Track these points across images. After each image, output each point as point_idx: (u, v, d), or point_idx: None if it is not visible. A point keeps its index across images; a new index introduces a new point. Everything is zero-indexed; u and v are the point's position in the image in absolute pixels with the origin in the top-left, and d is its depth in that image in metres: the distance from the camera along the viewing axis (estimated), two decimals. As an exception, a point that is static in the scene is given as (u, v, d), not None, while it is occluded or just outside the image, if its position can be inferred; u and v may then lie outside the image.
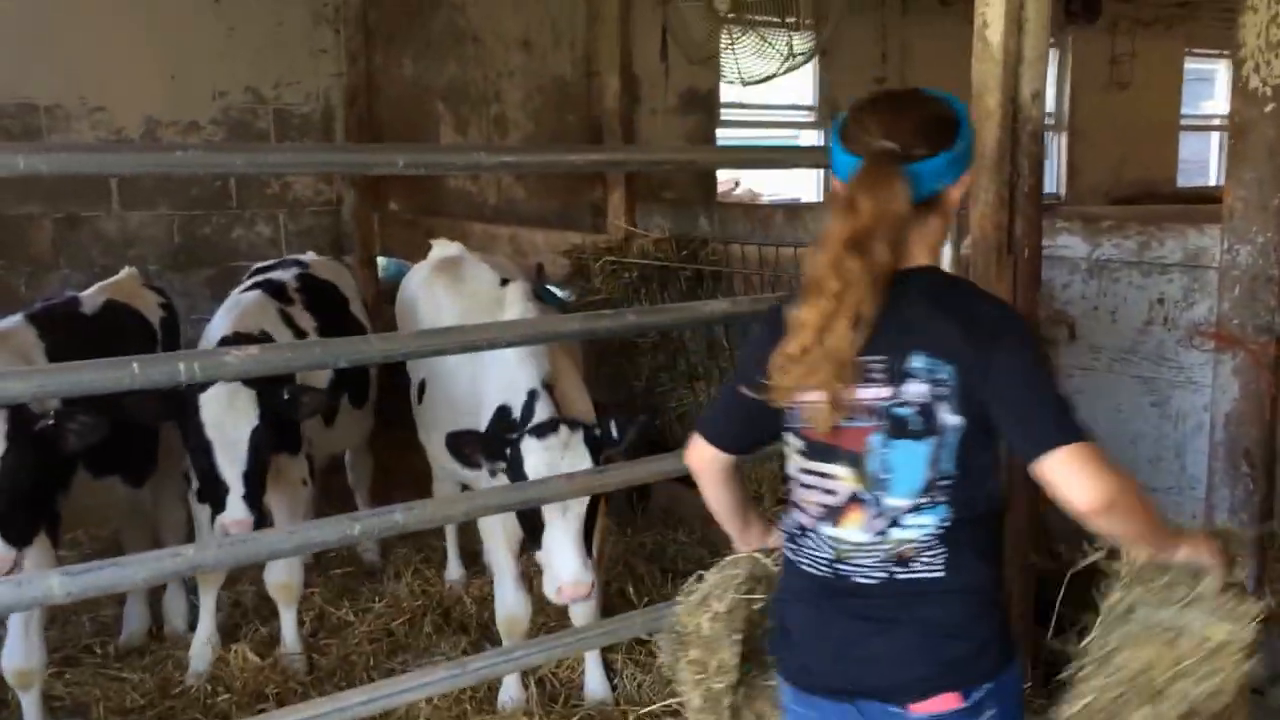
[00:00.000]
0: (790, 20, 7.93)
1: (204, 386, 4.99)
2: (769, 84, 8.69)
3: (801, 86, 13.62)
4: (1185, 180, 17.88)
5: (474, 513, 4.52)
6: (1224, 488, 5.18)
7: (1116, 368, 5.82)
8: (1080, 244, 5.91)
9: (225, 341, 5.53)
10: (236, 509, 5.07)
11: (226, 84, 9.43)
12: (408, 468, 7.67)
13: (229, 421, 5.09)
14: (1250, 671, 2.82)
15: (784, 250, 7.13)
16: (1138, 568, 2.96)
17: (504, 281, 5.97)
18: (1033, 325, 4.41)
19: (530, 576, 6.39)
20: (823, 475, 2.97)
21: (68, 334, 5.44)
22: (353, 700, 4.00)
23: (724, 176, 13.05)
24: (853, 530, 2.93)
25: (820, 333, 2.80)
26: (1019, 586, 4.79)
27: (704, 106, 12.48)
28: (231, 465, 5.09)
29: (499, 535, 5.40)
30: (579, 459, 4.65)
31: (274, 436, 5.28)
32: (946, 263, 4.33)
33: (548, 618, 6.11)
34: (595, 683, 5.55)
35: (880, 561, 2.92)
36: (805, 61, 8.32)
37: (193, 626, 6.13)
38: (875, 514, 2.91)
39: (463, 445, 4.85)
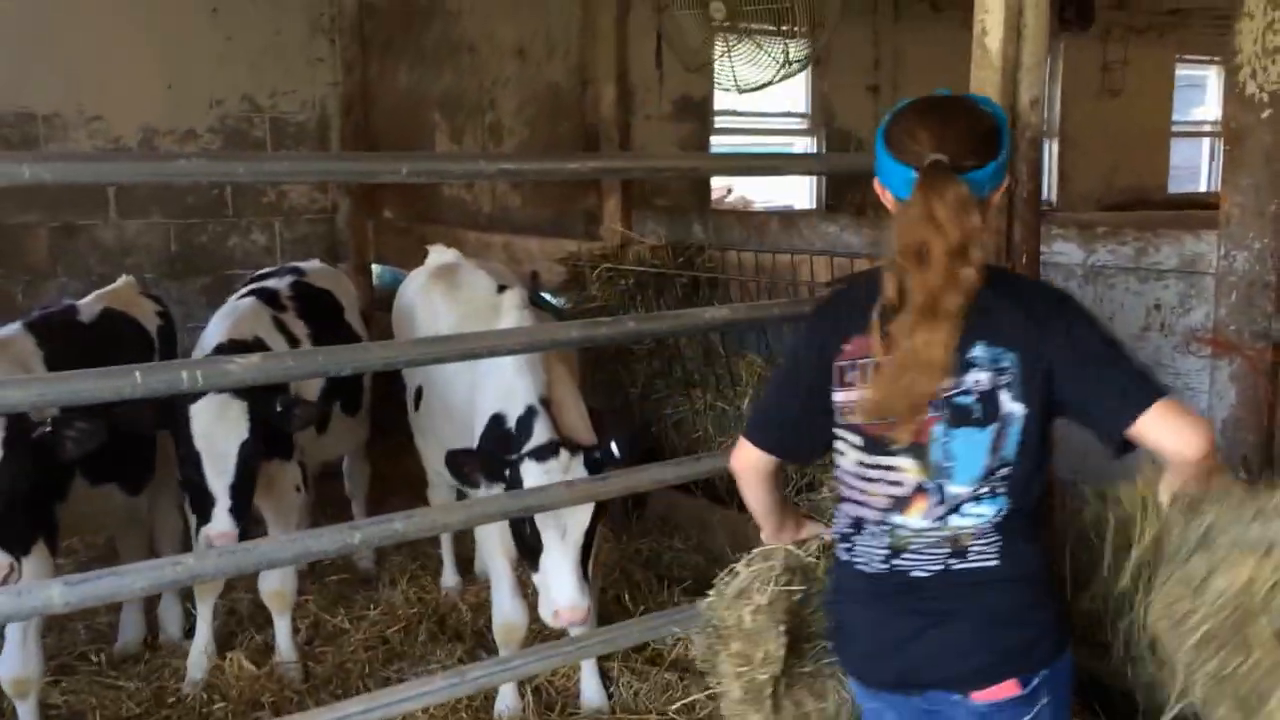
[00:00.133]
0: (786, 28, 7.91)
1: (195, 396, 4.98)
2: (762, 91, 8.66)
3: (795, 94, 13.63)
4: (1176, 187, 17.90)
5: (473, 520, 4.52)
6: (1221, 494, 5.18)
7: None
8: (1076, 250, 5.90)
9: (220, 348, 5.54)
10: (222, 521, 5.06)
11: (223, 93, 9.49)
12: (403, 474, 7.68)
13: (219, 433, 5.09)
14: None
15: (780, 257, 7.13)
16: (1208, 495, 2.99)
17: (501, 288, 5.97)
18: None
19: (526, 583, 6.41)
20: (887, 468, 3.06)
21: (66, 342, 5.43)
22: (350, 710, 3.98)
23: (717, 183, 13.03)
24: (915, 518, 3.04)
25: (946, 349, 2.89)
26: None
27: (698, 114, 12.50)
28: (219, 477, 5.08)
29: (496, 543, 5.38)
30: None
31: (264, 448, 5.28)
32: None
33: (543, 625, 6.10)
34: (591, 691, 5.54)
35: (937, 551, 3.05)
36: (802, 69, 8.28)
37: (188, 634, 6.13)
38: (937, 501, 3.02)
39: (462, 465, 4.84)
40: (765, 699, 3.72)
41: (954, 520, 3.02)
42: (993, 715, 3.04)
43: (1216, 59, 17.82)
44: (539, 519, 4.60)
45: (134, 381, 3.34)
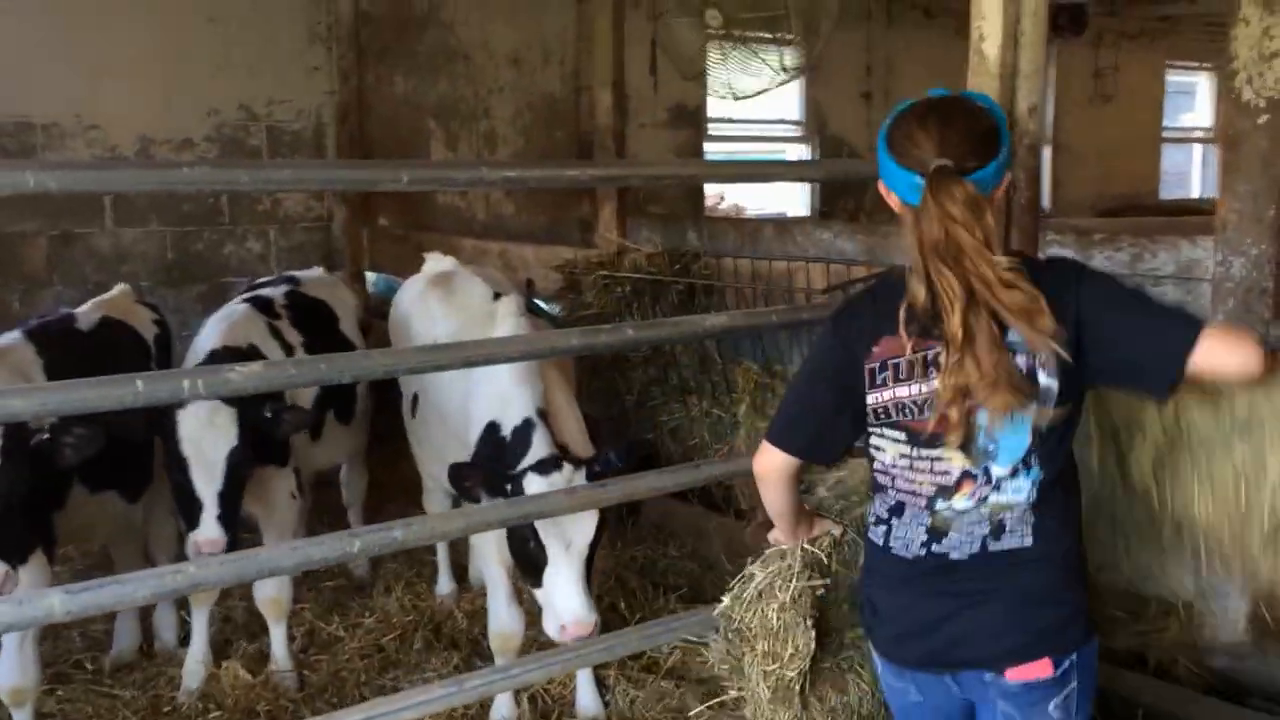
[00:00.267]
0: (781, 36, 7.93)
1: (183, 402, 4.97)
2: (757, 98, 8.68)
3: (788, 101, 13.66)
4: (1166, 192, 17.96)
5: (473, 528, 4.51)
6: (1218, 499, 5.19)
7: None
8: (1072, 256, 5.91)
9: (214, 354, 5.53)
10: (210, 528, 5.05)
11: (220, 102, 9.51)
12: (398, 481, 7.68)
13: (207, 440, 5.07)
14: None
15: (776, 264, 7.14)
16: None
17: (496, 296, 5.96)
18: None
19: (521, 591, 6.40)
20: (933, 459, 3.12)
21: (64, 351, 5.42)
22: (348, 720, 3.99)
23: (710, 190, 13.06)
24: (960, 500, 3.12)
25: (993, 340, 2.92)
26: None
27: (692, 121, 12.55)
28: (207, 484, 5.07)
29: (491, 550, 5.37)
30: None
31: (253, 455, 5.26)
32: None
33: (540, 633, 6.10)
34: (587, 699, 5.53)
35: (977, 529, 3.12)
36: (796, 76, 8.32)
37: (183, 641, 6.12)
38: (983, 482, 3.07)
39: (464, 478, 4.83)
40: (795, 696, 3.77)
41: (994, 498, 3.09)
42: (1024, 695, 3.12)
43: (1207, 65, 17.92)
44: (543, 532, 4.59)
45: (135, 390, 3.34)
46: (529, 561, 4.73)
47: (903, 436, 3.17)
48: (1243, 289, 5.00)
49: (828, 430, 3.37)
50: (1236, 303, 5.04)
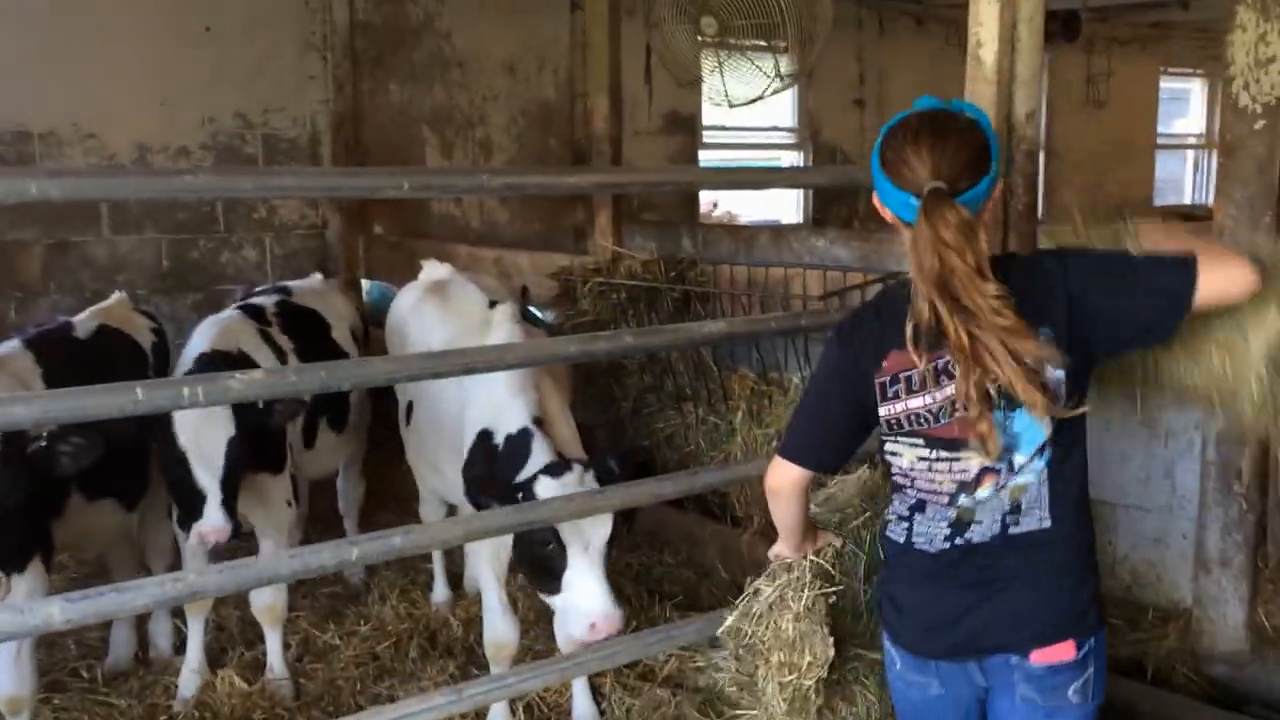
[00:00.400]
0: (775, 44, 7.95)
1: None
2: (751, 106, 8.70)
3: (781, 108, 13.69)
4: (1160, 199, 17.99)
5: (473, 535, 4.49)
6: (1217, 507, 5.19)
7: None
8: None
9: (202, 358, 5.52)
10: (215, 516, 5.04)
11: (216, 110, 9.52)
12: (391, 489, 7.68)
13: (205, 431, 5.07)
14: None
15: (772, 271, 7.13)
16: None
17: (492, 304, 5.96)
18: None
19: (516, 598, 6.39)
20: (952, 461, 3.19)
21: (62, 359, 5.42)
22: (345, 728, 3.98)
23: (703, 197, 13.07)
24: (982, 491, 3.21)
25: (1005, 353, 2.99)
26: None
27: (687, 129, 12.58)
28: (208, 473, 5.06)
29: (486, 557, 5.36)
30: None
31: (249, 449, 5.25)
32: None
33: (535, 641, 6.09)
34: (583, 707, 5.52)
35: (996, 513, 3.22)
36: (790, 84, 8.34)
37: (179, 649, 6.10)
38: (1006, 472, 3.16)
39: (485, 490, 4.81)
40: (811, 708, 3.80)
41: (1013, 481, 3.19)
42: (1048, 678, 3.23)
43: (1200, 71, 17.94)
44: (563, 534, 4.57)
45: (135, 398, 3.34)
46: (545, 566, 4.66)
47: (920, 442, 3.24)
48: (1240, 295, 5.01)
49: (840, 441, 3.46)
50: (1234, 308, 5.05)
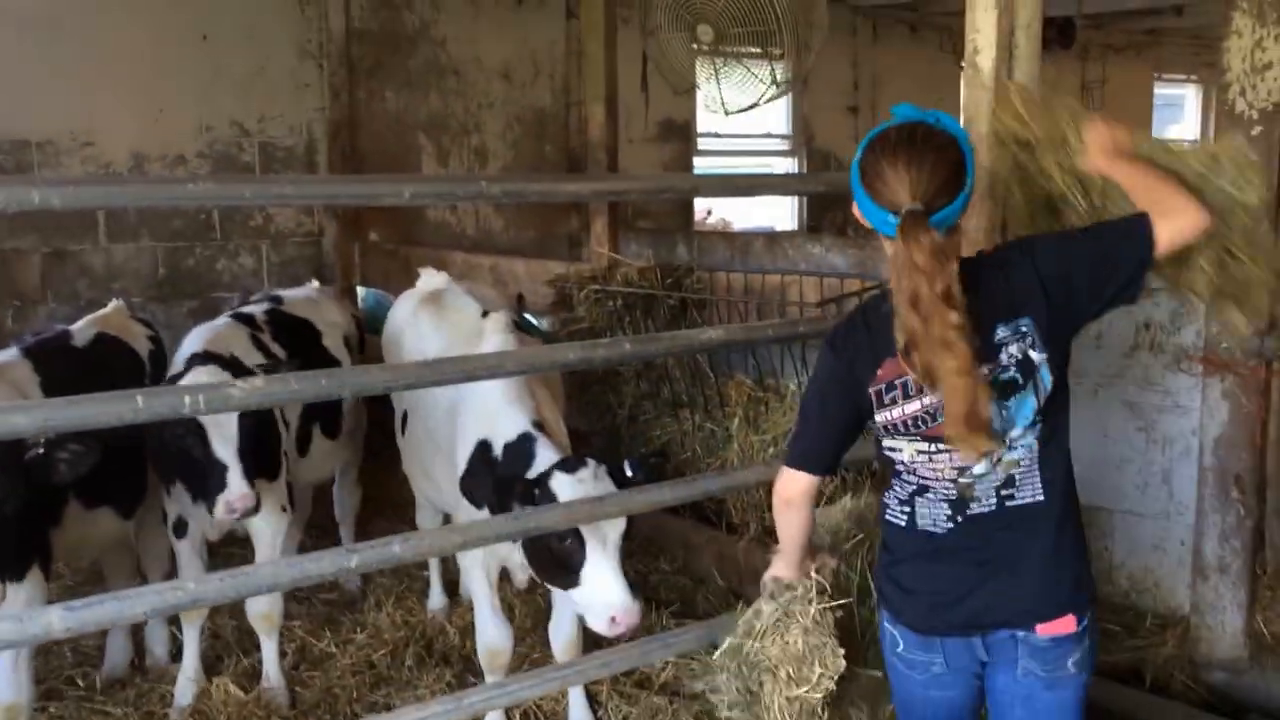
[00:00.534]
0: (771, 51, 7.95)
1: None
2: (746, 113, 8.71)
3: (776, 115, 13.70)
4: (1154, 205, 17.97)
5: (471, 543, 4.48)
6: (1214, 513, 5.20)
7: (1102, 392, 5.83)
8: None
9: (194, 357, 5.50)
10: (240, 484, 5.08)
11: (212, 118, 9.55)
12: (385, 496, 7.67)
13: None
14: None
15: (769, 277, 7.14)
16: None
17: (486, 313, 5.95)
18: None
19: (513, 605, 6.38)
20: (951, 451, 3.31)
21: (61, 367, 5.42)
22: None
23: (698, 205, 13.08)
24: (979, 467, 3.33)
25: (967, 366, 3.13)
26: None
27: (682, 136, 12.60)
28: (226, 445, 5.07)
29: (478, 564, 5.35)
30: (608, 491, 4.63)
31: (256, 430, 5.28)
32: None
33: (531, 649, 6.08)
34: (580, 715, 5.50)
35: (994, 487, 3.35)
36: (787, 90, 8.35)
37: (175, 657, 6.09)
38: (1003, 449, 3.32)
39: (495, 489, 4.80)
40: None
41: (1008, 456, 3.32)
42: (1051, 651, 3.36)
43: (1194, 78, 17.96)
44: (583, 530, 4.55)
45: (135, 406, 3.34)
46: (561, 562, 4.62)
47: (918, 438, 3.36)
48: (1237, 301, 5.02)
49: (839, 445, 3.59)
50: (1231, 315, 5.06)
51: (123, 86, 9.10)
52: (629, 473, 4.78)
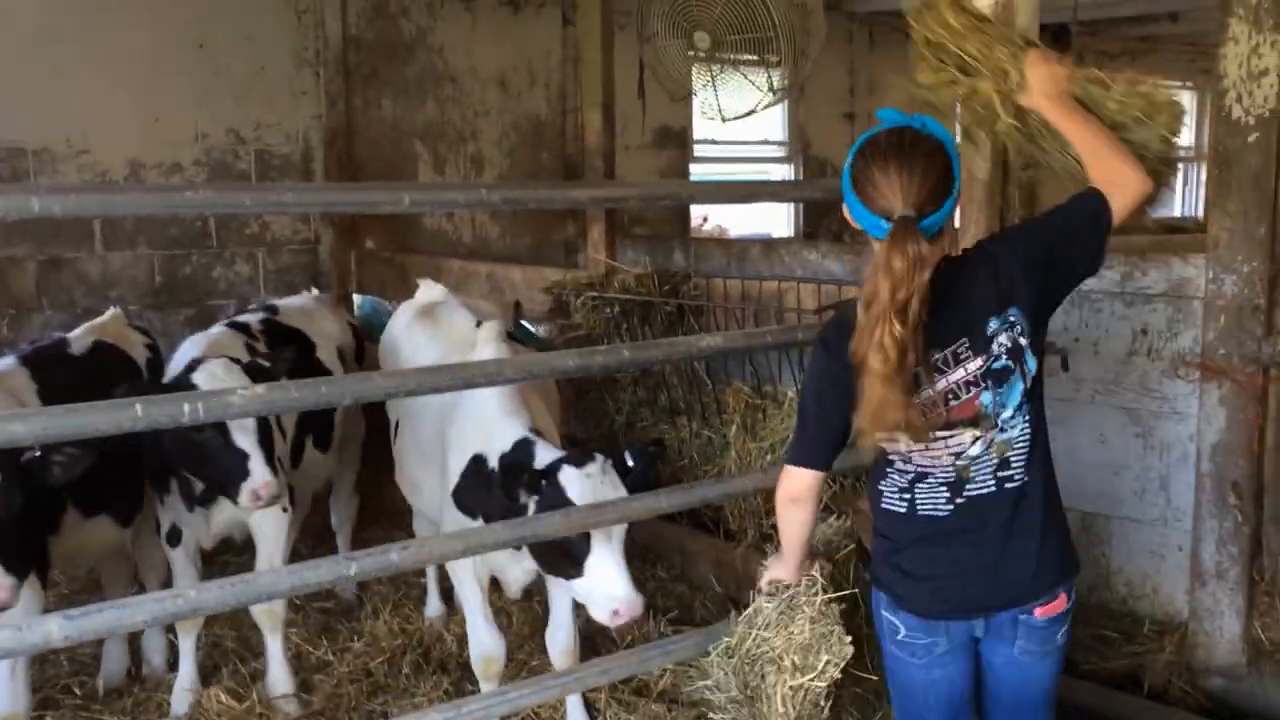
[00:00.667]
0: (768, 58, 7.96)
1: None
2: (743, 120, 8.71)
3: (772, 122, 13.70)
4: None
5: (470, 550, 4.46)
6: (1211, 519, 5.21)
7: (1099, 399, 5.84)
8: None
9: (194, 363, 5.49)
10: (263, 471, 5.09)
11: (208, 126, 9.55)
12: (380, 505, 7.67)
13: None
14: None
15: (766, 284, 7.14)
16: None
17: (479, 323, 5.95)
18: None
19: (511, 613, 6.37)
20: (947, 438, 3.43)
21: (58, 375, 5.42)
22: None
23: (694, 211, 13.09)
24: (974, 449, 3.45)
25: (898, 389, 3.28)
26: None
27: (678, 142, 12.60)
28: (245, 435, 5.08)
29: (468, 571, 5.35)
30: (616, 486, 4.66)
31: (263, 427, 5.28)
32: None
33: (529, 656, 6.08)
34: (577, 723, 5.51)
35: (989, 469, 3.47)
36: (784, 97, 8.37)
37: (171, 665, 6.08)
38: (996, 432, 3.45)
39: (507, 484, 4.80)
40: (824, 708, 3.88)
41: (1000, 437, 3.45)
42: (1047, 629, 3.55)
43: (1188, 84, 17.96)
44: None
45: (135, 414, 3.34)
46: (565, 552, 4.63)
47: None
48: (1234, 306, 5.03)
49: (838, 442, 3.66)
50: (1228, 320, 5.07)
51: (119, 94, 9.09)
52: (630, 462, 4.83)
